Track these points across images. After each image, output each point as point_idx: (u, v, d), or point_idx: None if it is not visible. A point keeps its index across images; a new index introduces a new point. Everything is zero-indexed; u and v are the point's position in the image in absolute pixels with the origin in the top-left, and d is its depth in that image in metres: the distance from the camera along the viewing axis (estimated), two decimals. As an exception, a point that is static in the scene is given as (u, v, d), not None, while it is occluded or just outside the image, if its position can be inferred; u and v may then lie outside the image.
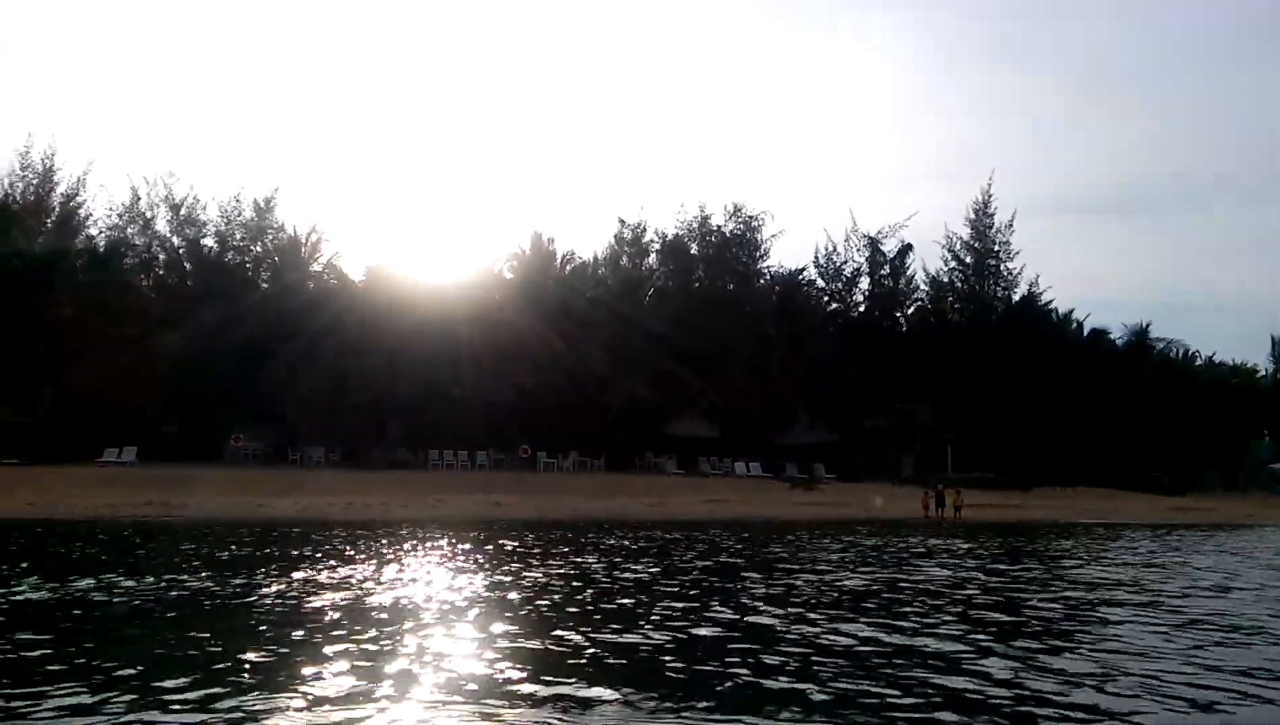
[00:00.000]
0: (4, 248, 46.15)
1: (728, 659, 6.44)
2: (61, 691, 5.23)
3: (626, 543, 18.69)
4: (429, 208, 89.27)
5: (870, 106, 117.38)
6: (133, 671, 5.83)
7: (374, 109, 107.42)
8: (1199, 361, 66.45)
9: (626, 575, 12.25)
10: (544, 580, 11.40)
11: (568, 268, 57.80)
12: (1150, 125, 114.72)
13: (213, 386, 46.20)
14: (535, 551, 15.98)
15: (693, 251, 59.68)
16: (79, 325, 44.68)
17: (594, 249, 60.39)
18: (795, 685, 5.71)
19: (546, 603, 9.39)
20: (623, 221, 59.49)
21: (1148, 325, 62.87)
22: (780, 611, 8.93)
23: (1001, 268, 60.84)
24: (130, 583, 10.60)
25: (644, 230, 59.48)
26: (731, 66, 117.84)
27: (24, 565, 12.49)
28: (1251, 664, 6.56)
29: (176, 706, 4.94)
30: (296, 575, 11.51)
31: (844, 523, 29.04)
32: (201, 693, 5.19)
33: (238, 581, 10.84)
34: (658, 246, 59.56)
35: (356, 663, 6.14)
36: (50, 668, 5.88)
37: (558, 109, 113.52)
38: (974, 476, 45.37)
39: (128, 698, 5.09)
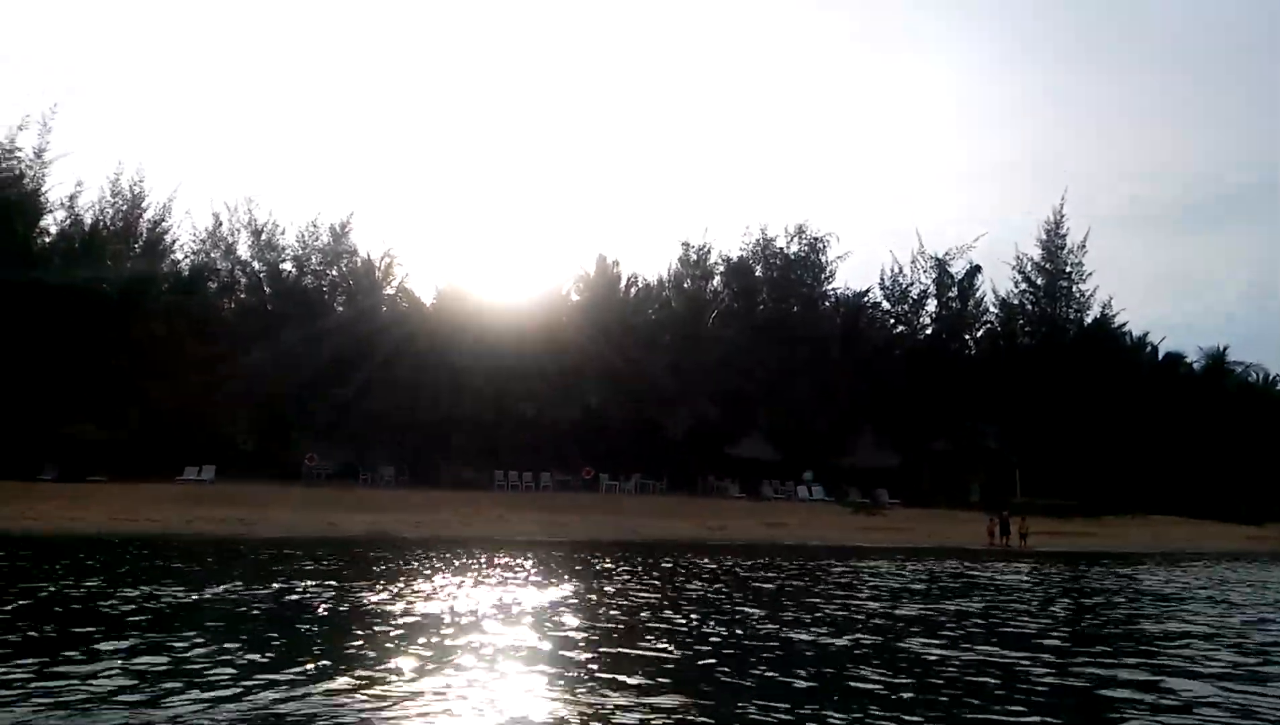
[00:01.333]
0: (95, 272, 48.38)
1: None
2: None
3: (677, 565, 18.96)
4: (497, 231, 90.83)
5: (939, 123, 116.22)
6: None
7: (448, 134, 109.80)
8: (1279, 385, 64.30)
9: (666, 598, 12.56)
10: (591, 599, 11.76)
11: (632, 290, 58.41)
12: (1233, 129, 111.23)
13: (289, 406, 47.82)
14: (585, 570, 16.36)
15: (757, 274, 59.86)
16: (164, 346, 46.61)
17: (658, 271, 60.92)
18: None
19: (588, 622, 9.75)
20: (687, 245, 59.99)
21: (1225, 348, 61.25)
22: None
23: (1074, 289, 59.77)
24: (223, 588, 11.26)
25: (708, 252, 59.86)
26: (797, 86, 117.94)
27: (123, 571, 13.29)
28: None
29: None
30: (366, 590, 12.07)
31: (903, 550, 28.84)
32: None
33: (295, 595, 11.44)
34: (722, 269, 59.86)
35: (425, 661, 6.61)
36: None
37: (624, 132, 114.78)
38: (1042, 502, 44.59)
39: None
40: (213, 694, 5.85)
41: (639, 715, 5.63)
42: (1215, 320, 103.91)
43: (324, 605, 10.76)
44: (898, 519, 41.38)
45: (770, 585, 15.49)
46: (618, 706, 5.84)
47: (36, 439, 41.29)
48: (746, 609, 11.68)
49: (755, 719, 5.73)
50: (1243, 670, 8.14)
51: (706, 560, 20.97)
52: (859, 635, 9.66)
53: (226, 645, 7.72)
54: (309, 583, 13.22)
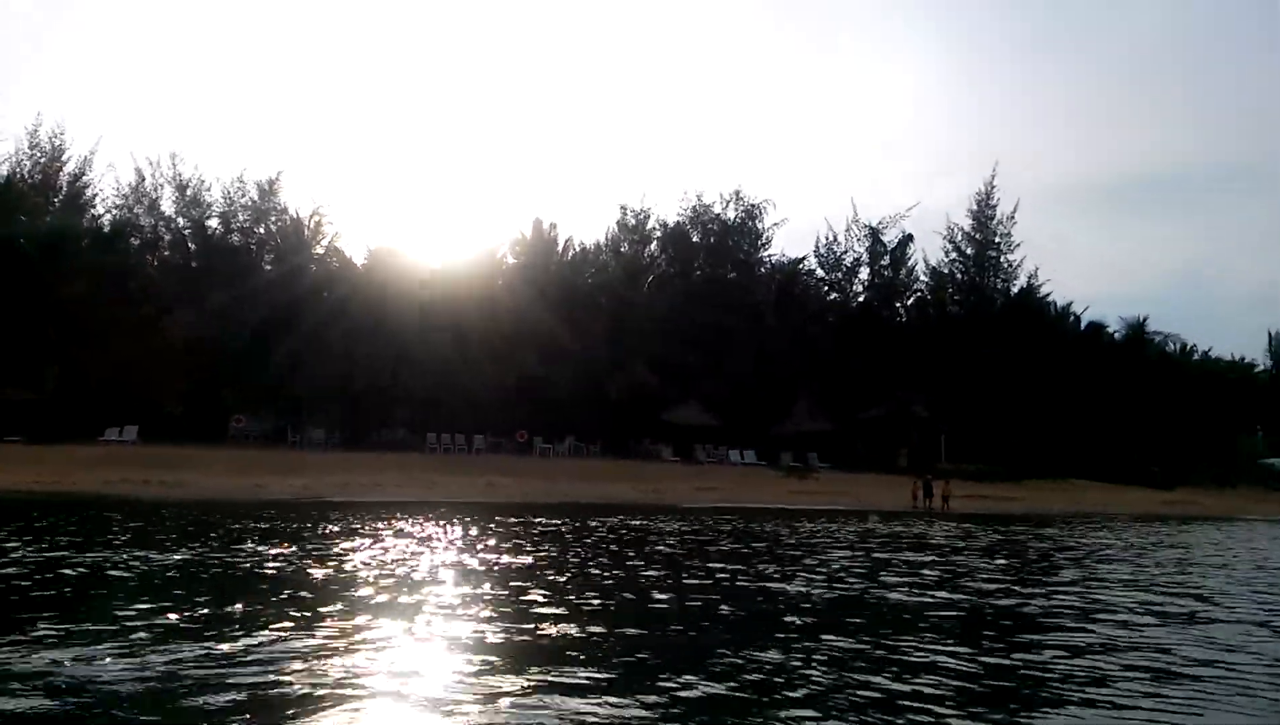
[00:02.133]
0: (12, 226, 46.74)
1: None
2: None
3: (600, 526, 19.13)
4: (431, 191, 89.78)
5: (877, 96, 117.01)
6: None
7: (377, 92, 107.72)
8: (1196, 356, 66.61)
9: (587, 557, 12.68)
10: (508, 561, 11.83)
11: (569, 254, 58.20)
12: (1165, 114, 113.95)
13: (217, 368, 46.85)
14: (514, 532, 16.43)
15: (694, 239, 60.03)
16: (86, 305, 45.29)
17: (596, 236, 60.82)
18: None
19: (501, 579, 9.82)
20: (624, 208, 59.91)
21: (1144, 319, 63.13)
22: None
23: (1002, 260, 61.05)
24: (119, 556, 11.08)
25: (646, 217, 59.91)
26: (735, 52, 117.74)
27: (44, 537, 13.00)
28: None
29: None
30: (274, 549, 11.97)
31: (828, 513, 29.42)
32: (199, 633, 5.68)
33: (216, 555, 11.32)
34: (659, 234, 59.92)
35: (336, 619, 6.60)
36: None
37: (561, 95, 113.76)
38: (966, 468, 45.74)
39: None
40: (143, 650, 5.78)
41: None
42: (1144, 303, 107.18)
43: (220, 567, 10.67)
44: (828, 483, 42.11)
45: (666, 544, 15.73)
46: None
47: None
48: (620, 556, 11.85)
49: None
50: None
51: (636, 520, 21.17)
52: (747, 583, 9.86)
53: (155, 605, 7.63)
54: (215, 546, 13.08)
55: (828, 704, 5.10)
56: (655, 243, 60.49)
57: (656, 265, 60.51)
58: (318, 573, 10.16)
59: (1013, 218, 60.36)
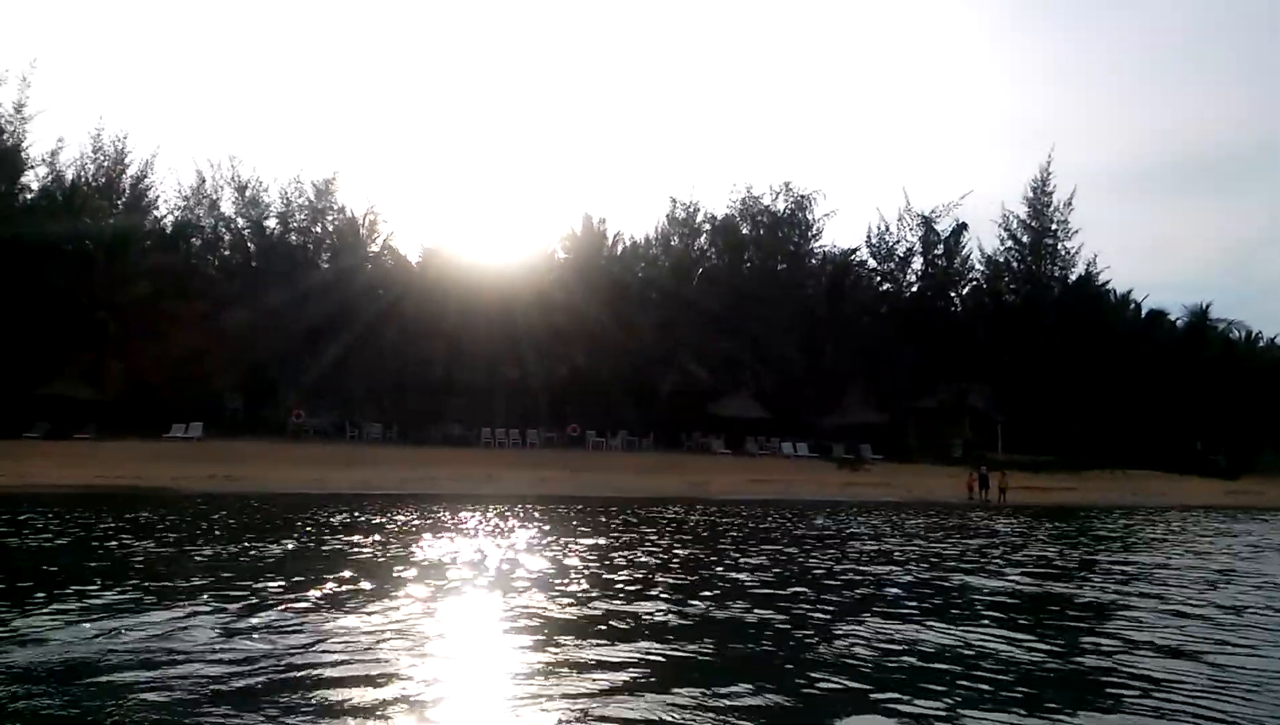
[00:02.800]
0: (77, 229, 48.14)
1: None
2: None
3: (653, 517, 19.25)
4: (483, 189, 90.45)
5: (928, 79, 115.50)
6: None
7: (432, 92, 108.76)
8: (1261, 343, 64.94)
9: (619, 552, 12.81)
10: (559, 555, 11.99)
11: (619, 248, 58.42)
12: (1231, 92, 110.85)
13: (276, 364, 47.89)
14: (565, 525, 16.61)
15: (744, 231, 59.89)
16: (148, 304, 46.52)
17: (645, 230, 61.01)
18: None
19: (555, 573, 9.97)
20: (674, 201, 59.95)
21: (1207, 306, 61.69)
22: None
23: (1059, 247, 59.99)
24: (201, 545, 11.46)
25: (696, 210, 59.92)
26: (785, 42, 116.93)
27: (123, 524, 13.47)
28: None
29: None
30: (333, 540, 12.27)
31: (881, 504, 29.25)
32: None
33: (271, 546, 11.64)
34: (708, 227, 59.89)
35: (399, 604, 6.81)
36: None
37: (610, 89, 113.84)
38: (1024, 459, 45.12)
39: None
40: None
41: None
42: (1199, 283, 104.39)
43: (290, 551, 10.97)
44: (880, 474, 41.85)
45: (733, 533, 15.78)
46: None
47: (23, 397, 41.31)
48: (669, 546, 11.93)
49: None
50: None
51: (681, 513, 21.27)
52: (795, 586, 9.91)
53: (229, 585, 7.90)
54: (290, 536, 13.43)
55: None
56: (705, 236, 60.50)
57: (706, 258, 60.52)
58: (415, 555, 10.41)
59: (1069, 204, 59.42)
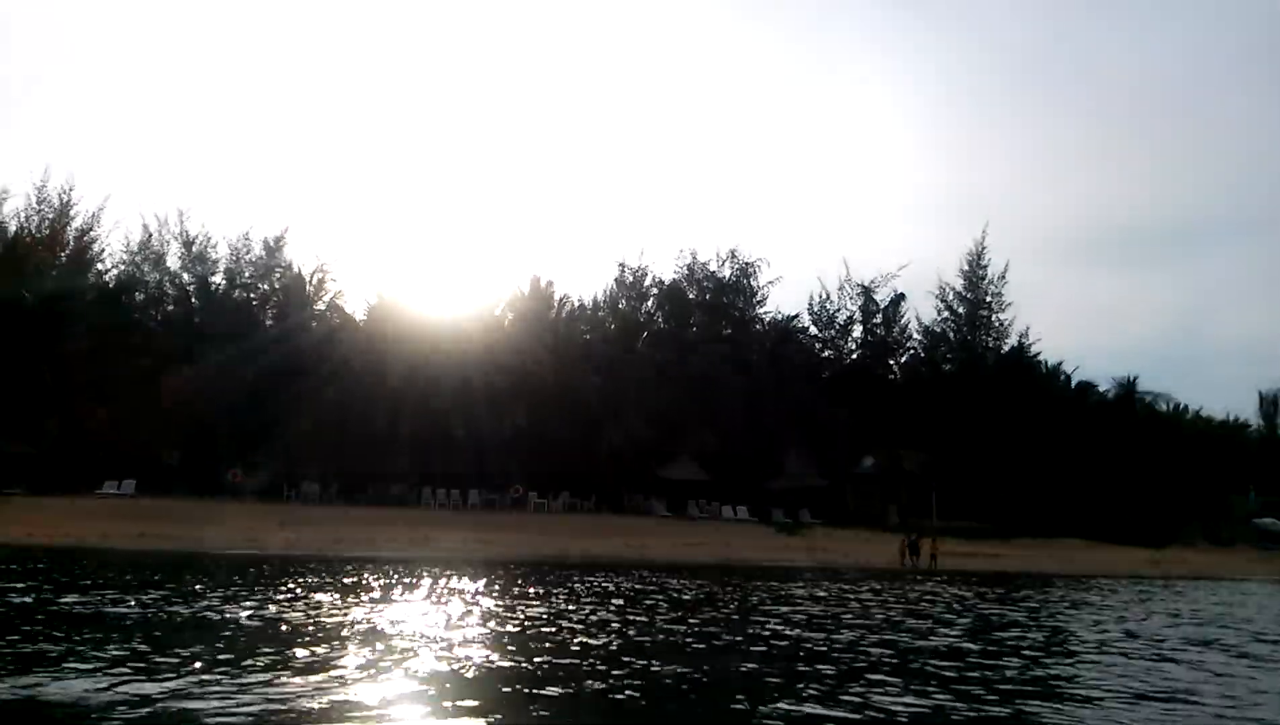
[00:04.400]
0: (17, 284, 47.66)
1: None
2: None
3: (581, 584, 19.59)
4: (430, 248, 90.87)
5: (870, 151, 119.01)
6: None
7: (381, 152, 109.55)
8: (1188, 415, 67.20)
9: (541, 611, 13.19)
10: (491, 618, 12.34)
11: (566, 310, 59.05)
12: (1149, 166, 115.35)
13: (215, 422, 47.44)
14: (496, 590, 16.90)
15: (690, 296, 60.98)
16: (88, 359, 46.05)
17: (594, 292, 61.76)
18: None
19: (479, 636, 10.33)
20: (623, 266, 60.89)
21: (1134, 378, 63.75)
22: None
23: (993, 318, 61.98)
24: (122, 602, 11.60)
25: (644, 274, 60.87)
26: (733, 112, 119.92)
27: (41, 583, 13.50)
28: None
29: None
30: (270, 602, 12.47)
31: (817, 569, 29.80)
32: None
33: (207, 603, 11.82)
34: (656, 292, 60.89)
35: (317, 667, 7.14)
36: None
37: (559, 150, 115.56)
38: (954, 525, 46.10)
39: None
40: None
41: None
42: (1137, 356, 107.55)
43: (223, 615, 11.19)
44: (818, 539, 42.44)
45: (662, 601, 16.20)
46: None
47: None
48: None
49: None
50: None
51: (607, 578, 21.61)
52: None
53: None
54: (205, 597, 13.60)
55: None
56: (652, 300, 61.46)
57: (653, 322, 61.41)
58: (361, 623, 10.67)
59: (1004, 277, 61.55)
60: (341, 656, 8.61)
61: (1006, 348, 61.40)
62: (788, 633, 12.16)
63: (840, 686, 8.00)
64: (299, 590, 15.43)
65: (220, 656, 8.28)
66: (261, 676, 7.26)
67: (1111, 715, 7.18)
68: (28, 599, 12.83)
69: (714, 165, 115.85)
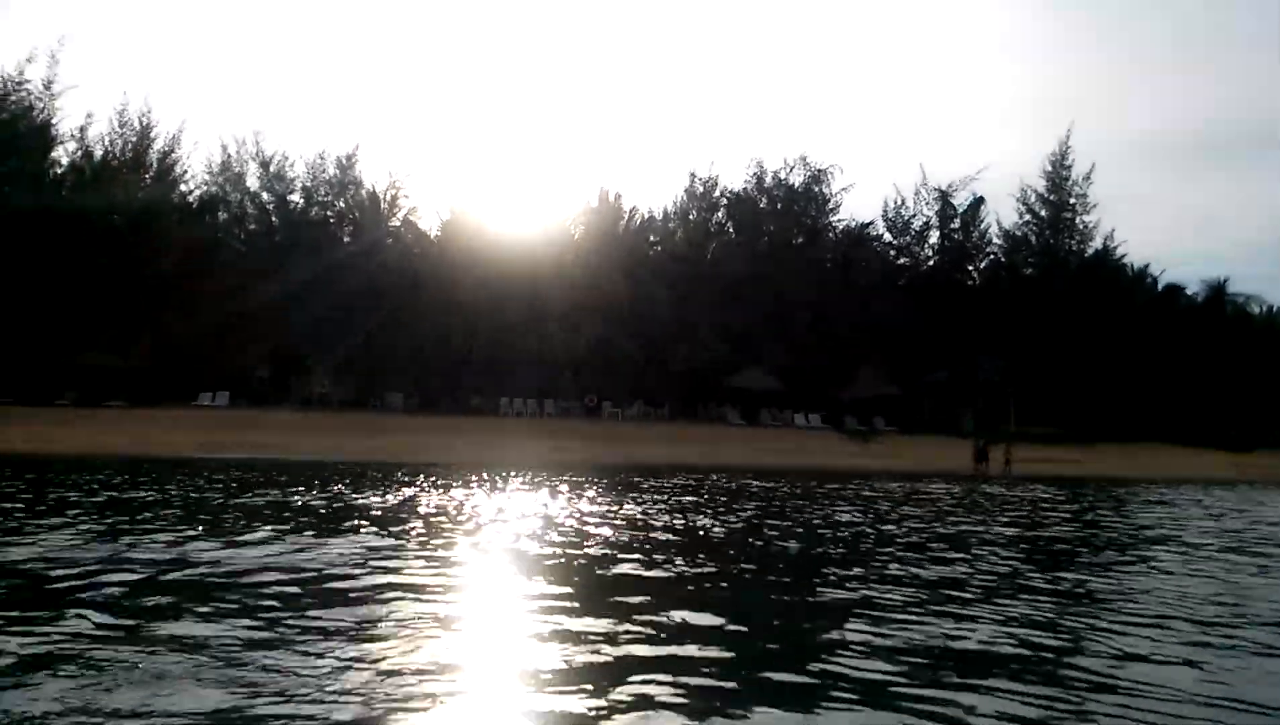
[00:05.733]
0: (105, 202, 49.33)
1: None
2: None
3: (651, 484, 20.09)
4: (500, 162, 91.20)
5: (945, 51, 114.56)
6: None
7: (450, 68, 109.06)
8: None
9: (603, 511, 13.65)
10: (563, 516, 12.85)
11: (636, 221, 58.98)
12: (1241, 61, 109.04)
13: (302, 336, 49.07)
14: (569, 491, 17.48)
15: (761, 205, 60.31)
16: (176, 277, 47.78)
17: (664, 204, 61.57)
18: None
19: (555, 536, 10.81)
20: (693, 176, 60.35)
21: (1225, 280, 61.50)
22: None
23: (1077, 221, 60.13)
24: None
25: (715, 184, 60.26)
26: (802, 16, 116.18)
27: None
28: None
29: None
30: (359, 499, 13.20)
31: (885, 473, 29.95)
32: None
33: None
34: (726, 201, 60.33)
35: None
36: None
37: (629, 63, 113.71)
38: (1032, 431, 45.53)
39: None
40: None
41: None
42: (1232, 261, 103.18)
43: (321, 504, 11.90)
44: (890, 446, 42.48)
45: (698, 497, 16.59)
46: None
47: (54, 366, 42.60)
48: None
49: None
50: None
51: (686, 480, 22.10)
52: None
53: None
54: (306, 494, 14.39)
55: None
56: (722, 210, 60.94)
57: (724, 232, 61.02)
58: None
59: (1088, 178, 59.43)
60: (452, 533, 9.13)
61: (1090, 251, 59.68)
62: (855, 520, 12.43)
63: (891, 564, 8.25)
64: (403, 489, 16.18)
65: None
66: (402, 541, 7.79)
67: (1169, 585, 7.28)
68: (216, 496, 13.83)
69: (784, 69, 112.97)
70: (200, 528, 9.39)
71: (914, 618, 5.79)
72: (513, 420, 44.77)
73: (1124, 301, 55.75)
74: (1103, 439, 46.89)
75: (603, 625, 5.26)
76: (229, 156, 55.66)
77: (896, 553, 9.28)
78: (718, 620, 5.60)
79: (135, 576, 6.44)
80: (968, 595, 6.76)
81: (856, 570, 8.00)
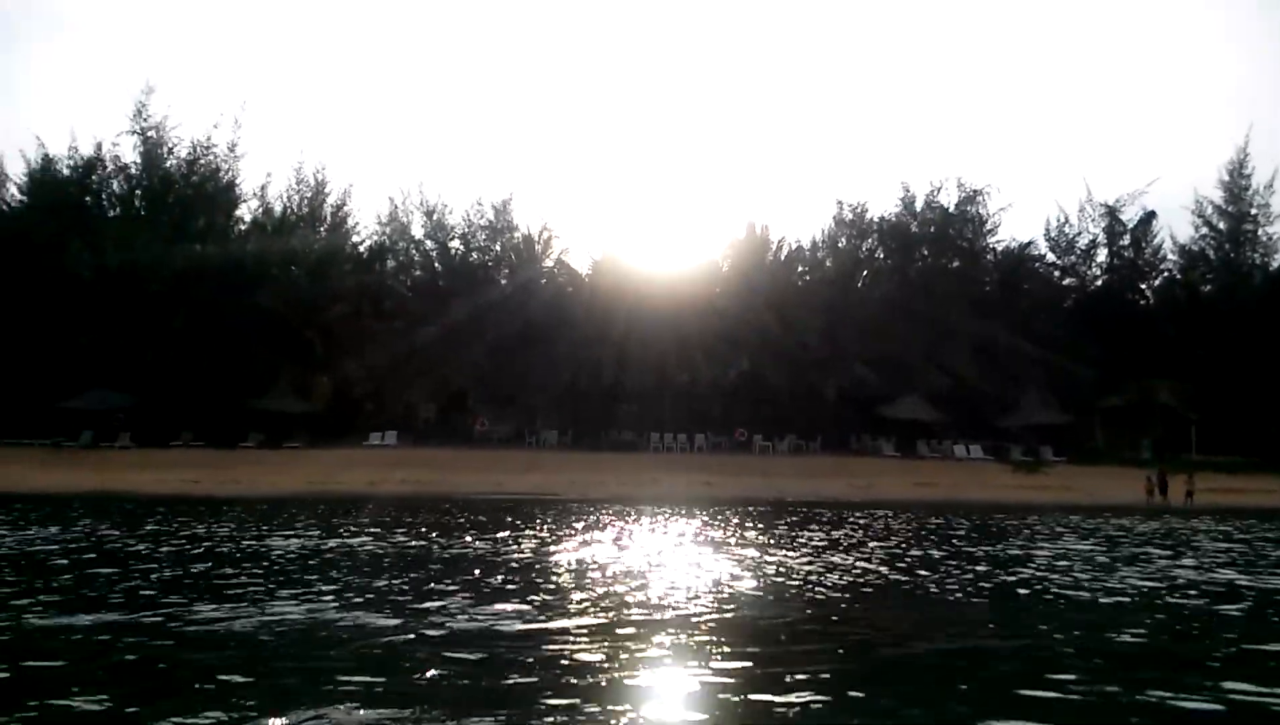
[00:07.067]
0: (284, 255, 52.98)
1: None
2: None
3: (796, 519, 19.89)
4: (649, 200, 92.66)
5: (1105, 55, 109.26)
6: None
7: (596, 111, 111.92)
8: None
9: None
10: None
11: (783, 253, 58.67)
12: None
13: (463, 375, 51.15)
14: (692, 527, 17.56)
15: (914, 230, 58.85)
16: (349, 322, 50.76)
17: (811, 233, 61.01)
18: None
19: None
20: (841, 203, 59.49)
21: None
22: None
23: (1260, 233, 55.96)
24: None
25: (864, 211, 59.17)
26: (951, 32, 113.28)
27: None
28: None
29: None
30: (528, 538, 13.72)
31: (1048, 508, 28.61)
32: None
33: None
34: (876, 228, 59.17)
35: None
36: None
37: (774, 93, 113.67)
38: (1216, 460, 42.50)
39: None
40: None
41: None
42: None
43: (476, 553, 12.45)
44: (1059, 477, 40.47)
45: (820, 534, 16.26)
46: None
47: (239, 410, 45.81)
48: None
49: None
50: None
51: (822, 515, 21.78)
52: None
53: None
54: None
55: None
56: (873, 237, 59.76)
57: (875, 258, 59.82)
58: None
59: (1270, 187, 55.27)
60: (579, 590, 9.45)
61: (1276, 265, 55.42)
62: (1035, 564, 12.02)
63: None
64: (555, 528, 16.71)
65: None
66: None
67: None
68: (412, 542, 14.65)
69: (933, 87, 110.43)
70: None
71: None
72: (663, 455, 45.17)
73: (1319, 316, 51.36)
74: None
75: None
76: (395, 207, 58.80)
77: None
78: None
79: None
80: None
81: None
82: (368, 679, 5.41)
